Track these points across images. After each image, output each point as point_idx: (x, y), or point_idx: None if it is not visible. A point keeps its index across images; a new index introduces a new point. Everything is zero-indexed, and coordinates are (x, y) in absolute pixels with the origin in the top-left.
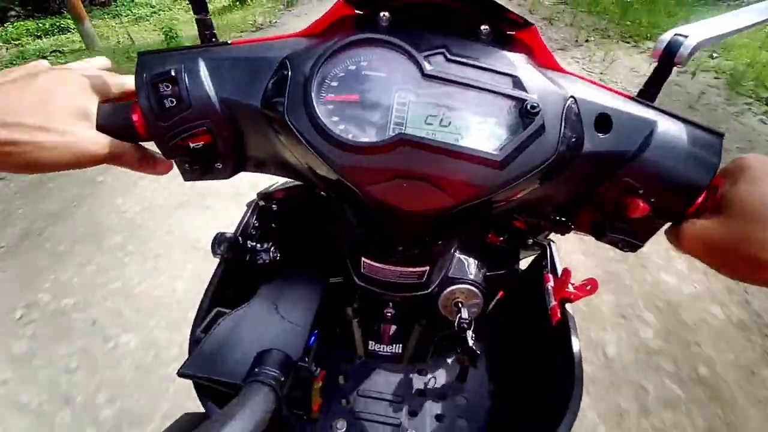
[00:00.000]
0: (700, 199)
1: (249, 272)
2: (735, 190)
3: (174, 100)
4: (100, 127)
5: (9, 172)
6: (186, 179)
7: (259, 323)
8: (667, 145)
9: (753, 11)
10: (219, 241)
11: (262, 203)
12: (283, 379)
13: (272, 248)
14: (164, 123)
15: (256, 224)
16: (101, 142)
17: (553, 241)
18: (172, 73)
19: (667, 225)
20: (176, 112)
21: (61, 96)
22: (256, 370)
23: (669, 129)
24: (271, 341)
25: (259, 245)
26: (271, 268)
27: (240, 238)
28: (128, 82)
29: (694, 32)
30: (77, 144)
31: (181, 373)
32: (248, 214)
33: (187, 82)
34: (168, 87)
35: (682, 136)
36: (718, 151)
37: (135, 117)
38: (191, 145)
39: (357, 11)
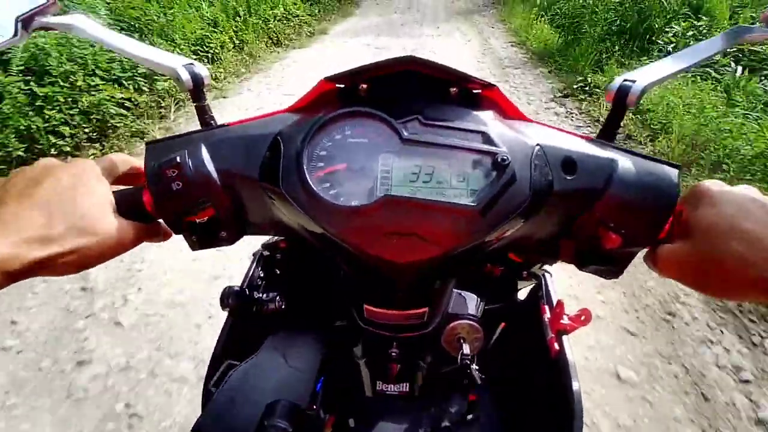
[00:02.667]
0: (667, 227)
1: (257, 322)
2: (696, 214)
3: (180, 183)
4: (121, 213)
5: (56, 276)
6: (193, 249)
7: (268, 373)
8: (629, 181)
9: (693, 52)
10: (227, 294)
11: (266, 253)
12: (291, 430)
13: (278, 297)
14: (172, 204)
15: (262, 275)
16: (129, 229)
17: (549, 272)
18: (177, 160)
19: (644, 251)
20: (182, 194)
21: (85, 192)
22: (266, 423)
23: (629, 166)
24: (280, 391)
25: (265, 295)
26: (278, 316)
27: (247, 290)
28: (131, 159)
29: (641, 77)
30: (113, 237)
31: (197, 430)
32: (254, 266)
33: (191, 166)
34: (174, 172)
35: (642, 171)
36: (676, 181)
37: (146, 200)
38: (197, 220)
39: (338, 85)
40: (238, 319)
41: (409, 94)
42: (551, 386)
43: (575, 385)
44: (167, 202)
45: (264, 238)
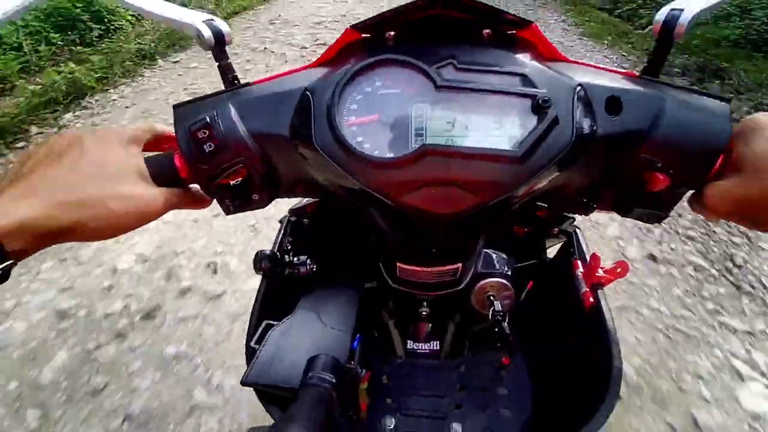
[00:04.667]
0: (717, 164)
1: (290, 285)
2: (750, 149)
3: (212, 144)
4: (154, 180)
5: (86, 241)
6: (227, 213)
7: (305, 331)
8: (679, 118)
9: None
10: (260, 258)
11: (294, 219)
12: (334, 381)
13: (308, 261)
14: (206, 166)
15: (291, 239)
16: (161, 196)
17: (579, 228)
18: (207, 120)
19: (690, 193)
20: (215, 155)
21: (114, 159)
22: (310, 374)
23: (678, 102)
24: (319, 347)
25: (296, 259)
26: (310, 279)
27: (278, 253)
28: (156, 125)
29: (690, 4)
30: (144, 203)
31: (245, 382)
32: (282, 231)
33: (221, 126)
34: (206, 133)
35: (692, 108)
36: (727, 116)
37: (179, 164)
38: (231, 182)
39: (364, 35)
40: (272, 282)
41: (440, 38)
42: (585, 340)
43: (613, 335)
44: (200, 164)
45: (290, 204)
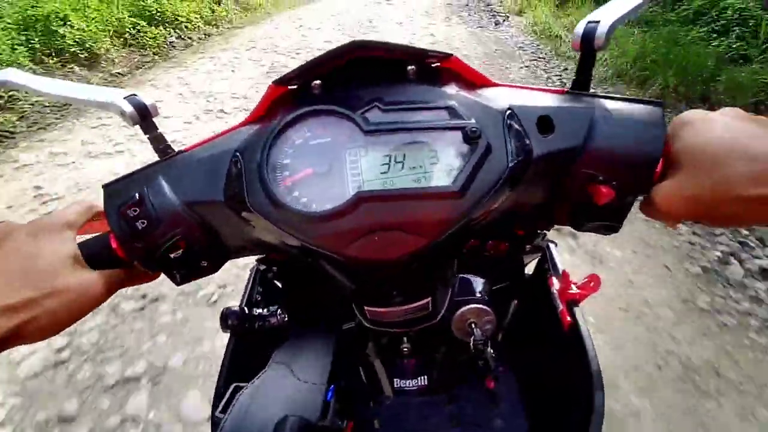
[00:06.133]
0: (659, 169)
1: (262, 339)
2: (688, 145)
3: (144, 220)
4: (90, 265)
5: (28, 344)
6: (177, 285)
7: (277, 390)
8: (611, 128)
9: None
10: (227, 315)
11: (262, 267)
12: None
13: (278, 311)
14: (141, 244)
15: (260, 290)
16: (100, 281)
17: (554, 242)
18: (137, 197)
19: (639, 200)
20: (149, 231)
21: (46, 250)
22: None
23: (608, 112)
24: (290, 406)
25: (265, 310)
26: (282, 330)
27: (246, 308)
28: (93, 205)
29: (605, 16)
30: (82, 292)
31: None
32: (251, 282)
33: (151, 201)
34: (136, 211)
35: (623, 115)
36: (661, 120)
37: (114, 245)
38: (171, 256)
39: (290, 87)
40: (241, 339)
41: (365, 81)
42: (568, 360)
43: (592, 354)
44: (135, 242)
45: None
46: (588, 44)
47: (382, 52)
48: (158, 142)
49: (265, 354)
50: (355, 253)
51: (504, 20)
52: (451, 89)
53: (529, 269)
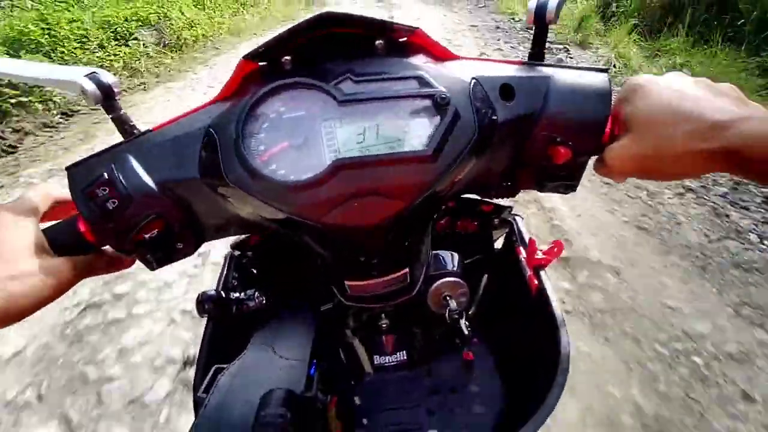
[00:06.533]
0: (608, 128)
1: (240, 323)
2: (635, 108)
3: (115, 200)
4: (57, 251)
5: None
6: (152, 269)
7: (259, 369)
8: (564, 93)
9: None
10: (203, 300)
11: (237, 253)
12: (290, 414)
13: (256, 294)
14: (112, 225)
15: (236, 275)
16: (65, 266)
17: (520, 216)
18: (106, 176)
19: (593, 161)
20: (121, 211)
21: (8, 237)
22: (262, 413)
23: (562, 79)
24: (274, 383)
25: (243, 294)
26: (261, 313)
27: (222, 292)
28: (52, 191)
29: None
30: (46, 278)
31: None
32: (226, 268)
33: (122, 179)
34: (105, 190)
35: (575, 81)
36: (607, 84)
37: (82, 228)
38: (146, 236)
39: (260, 63)
40: (219, 323)
41: (335, 55)
42: (537, 322)
43: (558, 314)
44: (106, 224)
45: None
46: (540, 19)
47: (349, 26)
48: (123, 123)
49: (244, 337)
50: (335, 220)
51: (564, 54)
52: (419, 60)
53: (498, 245)
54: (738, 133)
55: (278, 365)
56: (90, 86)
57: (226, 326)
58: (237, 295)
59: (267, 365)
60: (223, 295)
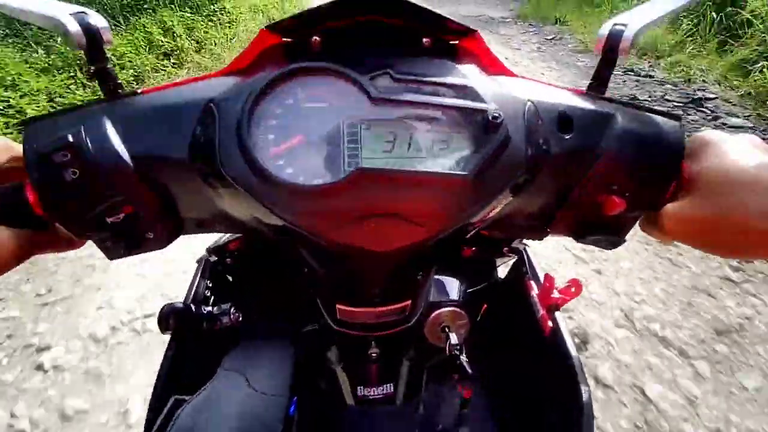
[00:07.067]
0: (673, 185)
1: (209, 344)
2: (702, 168)
3: (76, 171)
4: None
5: None
6: (111, 258)
7: (229, 403)
8: (631, 136)
9: None
10: (166, 314)
11: (213, 259)
12: None
13: (232, 309)
14: (67, 202)
15: (210, 285)
16: (9, 241)
17: (528, 245)
18: (70, 139)
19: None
20: (81, 186)
21: None
22: None
23: (629, 119)
24: (246, 422)
25: (215, 309)
26: (234, 332)
27: (192, 305)
28: (12, 144)
29: (633, 20)
30: None
31: None
32: (198, 276)
33: (90, 147)
34: (66, 156)
35: (644, 125)
36: (681, 135)
37: (31, 198)
38: (108, 220)
39: (284, 39)
40: (183, 343)
41: (374, 44)
42: (547, 366)
43: (576, 364)
44: (59, 198)
45: (208, 241)
46: (612, 47)
47: (396, 15)
48: (106, 78)
49: (211, 360)
50: (345, 239)
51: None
52: (469, 69)
53: (501, 272)
54: None
55: (252, 400)
56: (74, 27)
57: (193, 348)
58: (209, 309)
59: (238, 399)
60: (193, 309)
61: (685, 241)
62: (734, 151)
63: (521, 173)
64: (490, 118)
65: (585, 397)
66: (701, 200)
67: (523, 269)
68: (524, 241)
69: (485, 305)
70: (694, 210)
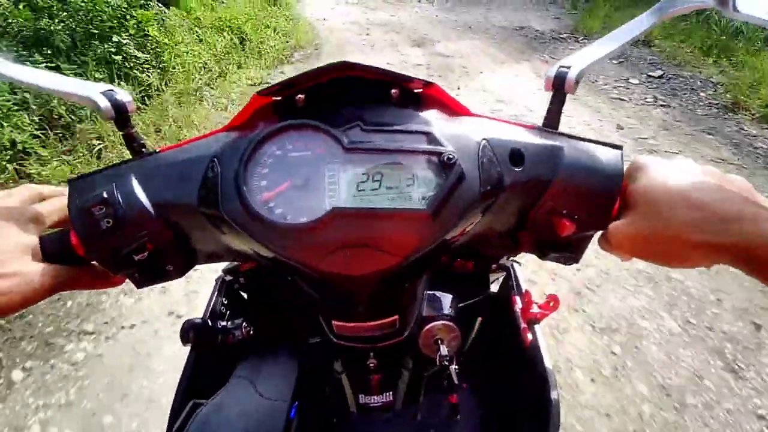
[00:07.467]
0: (615, 207)
1: (224, 355)
2: (641, 188)
3: (110, 220)
4: (47, 257)
5: None
6: (139, 287)
7: (238, 407)
8: (576, 166)
9: (624, 32)
10: (187, 328)
11: (229, 278)
12: None
13: (243, 324)
14: (104, 244)
15: (225, 302)
16: (49, 274)
17: (518, 262)
18: (105, 195)
19: (599, 233)
20: (114, 231)
21: (6, 233)
22: None
23: (575, 151)
24: (252, 424)
25: (229, 323)
26: (246, 344)
27: (209, 320)
28: (60, 204)
29: (576, 62)
30: (31, 281)
31: None
32: (215, 294)
33: (120, 201)
34: (102, 209)
35: (588, 155)
36: (619, 162)
37: (74, 242)
38: (135, 258)
39: (274, 98)
40: (202, 354)
41: (348, 100)
42: (527, 375)
43: (550, 374)
44: (97, 242)
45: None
46: (559, 87)
47: (368, 74)
48: (133, 140)
49: (226, 369)
50: (326, 267)
51: None
52: (431, 115)
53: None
54: (748, 231)
55: (258, 404)
56: (104, 103)
57: (209, 358)
58: (224, 323)
59: (246, 404)
60: (210, 324)
61: (633, 254)
62: (666, 173)
63: (475, 205)
64: (445, 159)
65: (554, 409)
66: (640, 218)
67: (509, 284)
68: (513, 258)
69: (481, 319)
70: (635, 226)
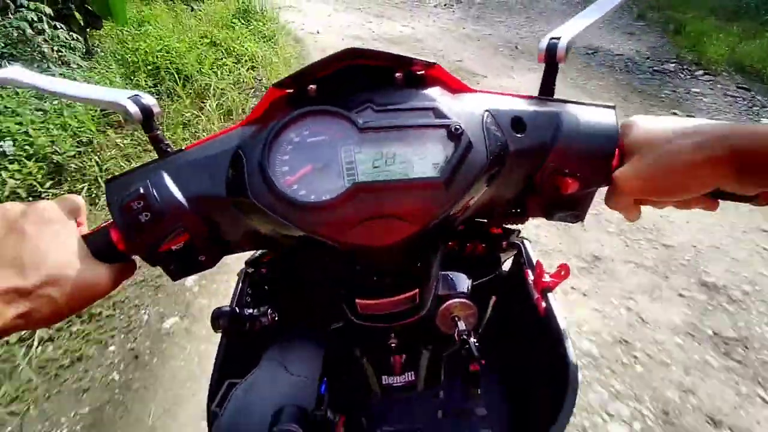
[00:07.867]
0: (615, 162)
1: (253, 339)
2: (636, 137)
3: (148, 213)
4: (95, 257)
5: (30, 329)
6: (174, 279)
7: (271, 385)
8: (574, 128)
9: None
10: (217, 315)
11: (251, 270)
12: (301, 431)
13: (269, 311)
14: (144, 237)
15: (250, 291)
16: (105, 273)
17: (528, 239)
18: (141, 191)
19: (604, 192)
20: (152, 224)
21: (52, 238)
22: (275, 429)
23: (571, 115)
24: (285, 399)
25: (255, 311)
26: (273, 329)
27: (237, 308)
28: (78, 201)
29: (565, 32)
30: (90, 283)
31: None
32: (240, 284)
33: (155, 195)
34: (140, 203)
35: (584, 117)
36: (614, 119)
37: (114, 238)
38: (173, 248)
39: (288, 90)
40: (232, 339)
41: (358, 85)
42: (544, 344)
43: (566, 339)
44: (138, 235)
45: (246, 256)
46: (551, 58)
47: (373, 59)
48: (159, 141)
49: (257, 352)
50: (353, 239)
51: None
52: (435, 93)
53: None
54: (741, 135)
55: (289, 382)
56: (133, 108)
57: (239, 341)
58: (250, 311)
59: (279, 381)
60: (237, 311)
61: (641, 194)
62: (658, 120)
63: (484, 170)
64: (452, 129)
65: (572, 372)
66: (643, 157)
67: (521, 260)
68: (522, 235)
69: (494, 297)
70: (640, 165)
